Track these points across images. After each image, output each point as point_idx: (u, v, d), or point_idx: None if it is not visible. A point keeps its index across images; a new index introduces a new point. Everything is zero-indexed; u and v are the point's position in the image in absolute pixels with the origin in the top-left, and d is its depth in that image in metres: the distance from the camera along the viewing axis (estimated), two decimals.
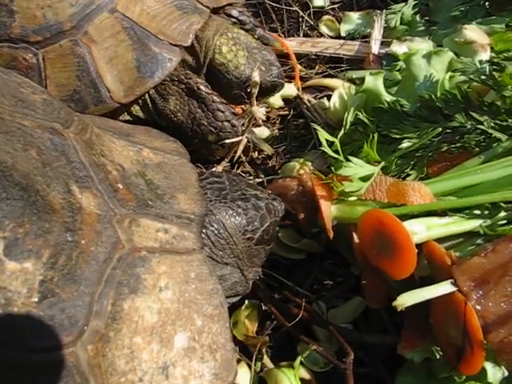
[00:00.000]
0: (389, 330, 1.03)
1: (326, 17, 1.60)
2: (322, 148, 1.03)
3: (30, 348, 0.58)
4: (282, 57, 1.48)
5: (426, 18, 1.50)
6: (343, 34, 1.56)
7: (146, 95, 1.20)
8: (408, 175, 1.03)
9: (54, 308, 0.60)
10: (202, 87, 1.19)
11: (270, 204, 0.95)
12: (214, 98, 1.19)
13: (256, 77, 1.06)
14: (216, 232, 0.86)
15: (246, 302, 1.06)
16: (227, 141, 1.19)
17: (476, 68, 1.05)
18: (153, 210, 0.76)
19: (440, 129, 1.00)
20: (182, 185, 0.83)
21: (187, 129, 1.22)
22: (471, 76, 1.04)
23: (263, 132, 1.35)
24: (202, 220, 0.80)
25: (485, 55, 1.21)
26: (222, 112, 1.19)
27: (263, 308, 1.07)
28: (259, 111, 1.13)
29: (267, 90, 1.26)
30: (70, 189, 0.68)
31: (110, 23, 1.11)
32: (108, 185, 0.73)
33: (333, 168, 1.05)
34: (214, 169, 1.25)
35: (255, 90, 1.11)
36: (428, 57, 1.13)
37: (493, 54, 1.22)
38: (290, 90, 1.40)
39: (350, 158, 0.98)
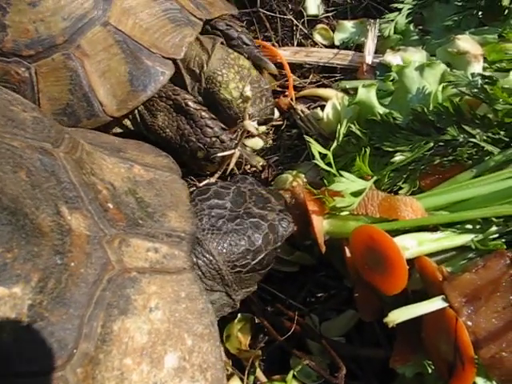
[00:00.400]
0: (382, 342, 1.03)
1: (319, 25, 1.60)
2: (315, 161, 1.03)
3: (19, 373, 0.58)
4: (276, 66, 1.47)
5: (420, 27, 1.49)
6: (337, 42, 1.55)
7: (136, 110, 1.20)
8: (400, 188, 1.03)
9: (43, 332, 0.60)
10: (190, 103, 1.19)
11: (271, 232, 0.92)
12: (203, 113, 1.19)
13: (248, 92, 1.06)
14: (207, 262, 0.86)
15: (239, 315, 1.07)
16: (219, 154, 1.19)
17: (468, 81, 1.05)
18: (143, 229, 0.76)
19: (432, 142, 1.00)
20: (172, 202, 0.83)
21: (176, 145, 1.21)
22: (463, 89, 1.04)
23: (257, 143, 1.34)
24: (192, 238, 0.80)
25: (478, 66, 1.20)
26: (211, 128, 1.19)
27: (256, 321, 1.07)
28: (251, 125, 1.13)
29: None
30: (59, 210, 0.68)
31: (102, 37, 1.11)
32: (98, 205, 0.73)
33: (325, 181, 1.05)
34: (206, 181, 1.24)
35: (247, 105, 1.11)
36: (421, 69, 1.12)
37: (486, 65, 1.22)
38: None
39: (342, 172, 0.98)
